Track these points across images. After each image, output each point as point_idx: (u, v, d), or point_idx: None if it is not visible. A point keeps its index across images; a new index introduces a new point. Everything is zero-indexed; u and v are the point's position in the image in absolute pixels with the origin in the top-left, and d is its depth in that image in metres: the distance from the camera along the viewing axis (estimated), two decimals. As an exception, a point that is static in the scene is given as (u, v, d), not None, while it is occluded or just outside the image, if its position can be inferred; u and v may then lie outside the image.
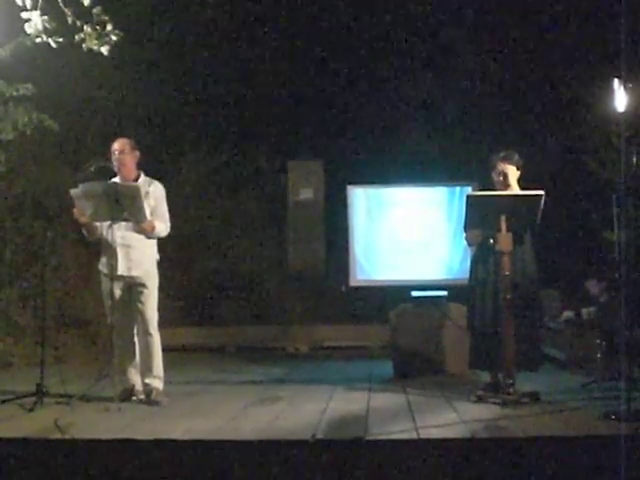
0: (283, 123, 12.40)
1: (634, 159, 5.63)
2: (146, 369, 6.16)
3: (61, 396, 6.10)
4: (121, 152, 6.17)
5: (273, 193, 12.26)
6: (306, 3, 12.13)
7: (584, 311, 8.35)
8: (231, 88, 12.31)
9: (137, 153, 6.29)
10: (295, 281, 11.64)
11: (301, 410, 5.79)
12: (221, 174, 12.20)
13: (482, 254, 6.19)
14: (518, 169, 6.19)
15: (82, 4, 6.03)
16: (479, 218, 5.99)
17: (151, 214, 6.07)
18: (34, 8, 5.86)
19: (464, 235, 6.37)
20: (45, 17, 5.94)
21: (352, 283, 9.90)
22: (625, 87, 5.88)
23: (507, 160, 6.18)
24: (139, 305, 6.13)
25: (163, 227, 6.21)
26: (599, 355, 7.65)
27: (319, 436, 4.72)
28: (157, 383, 6.15)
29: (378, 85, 12.27)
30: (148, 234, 6.10)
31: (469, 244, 6.46)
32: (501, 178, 6.16)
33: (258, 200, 12.38)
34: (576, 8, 10.40)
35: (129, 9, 9.57)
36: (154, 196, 6.19)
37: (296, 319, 11.20)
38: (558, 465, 4.42)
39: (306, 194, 11.33)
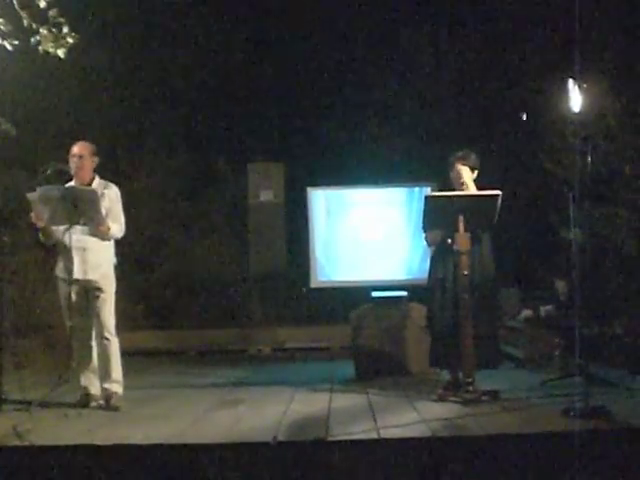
0: (242, 125, 12.37)
1: (589, 159, 5.71)
2: (105, 374, 6.11)
3: (20, 403, 6.03)
4: (80, 157, 6.12)
5: (233, 195, 12.23)
6: (265, 6, 12.13)
7: (542, 309, 8.45)
8: (190, 90, 12.26)
9: (96, 159, 6.24)
10: (256, 283, 11.63)
11: (262, 412, 5.79)
12: (180, 176, 12.15)
13: (441, 254, 6.23)
14: (475, 169, 6.24)
15: (38, 6, 5.98)
16: (437, 218, 6.03)
17: (106, 216, 6.03)
18: (-11, 11, 5.81)
19: (424, 235, 6.41)
20: (1, 20, 5.88)
21: (313, 284, 9.92)
22: (580, 87, 5.95)
23: (464, 160, 6.22)
24: (96, 309, 6.08)
25: (118, 228, 6.17)
26: (557, 353, 7.75)
27: (280, 438, 4.73)
28: (116, 387, 6.11)
29: (337, 87, 12.28)
30: (103, 236, 6.06)
31: (429, 244, 6.49)
32: (458, 178, 6.20)
33: (218, 202, 12.34)
34: (532, 9, 10.49)
35: (85, 11, 9.49)
36: (109, 197, 6.15)
37: (258, 321, 11.19)
38: (518, 462, 4.47)
39: (266, 196, 11.32)
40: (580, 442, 4.38)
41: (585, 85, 6.02)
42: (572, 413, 5.14)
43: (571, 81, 6.05)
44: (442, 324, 6.13)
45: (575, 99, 6.04)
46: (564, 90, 6.12)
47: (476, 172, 6.26)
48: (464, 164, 6.21)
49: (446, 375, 6.40)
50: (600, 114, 8.30)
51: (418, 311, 7.42)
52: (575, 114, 6.08)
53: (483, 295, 6.02)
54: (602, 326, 7.80)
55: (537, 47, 10.26)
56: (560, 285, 8.47)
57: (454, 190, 6.24)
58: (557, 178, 8.64)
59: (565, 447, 4.45)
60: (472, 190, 6.16)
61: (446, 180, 6.46)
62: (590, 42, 6.28)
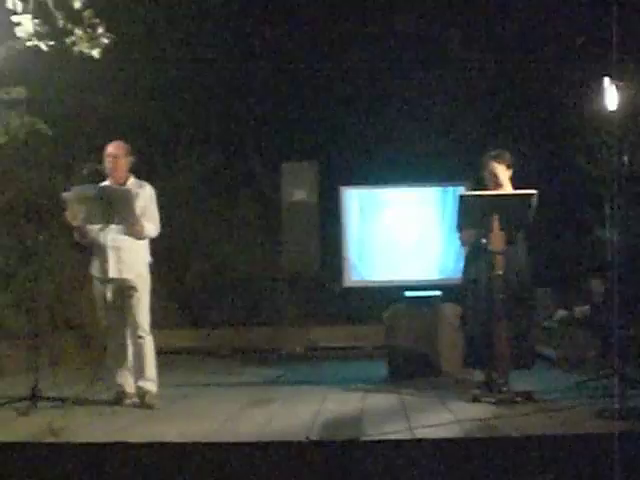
0: (276, 125, 12.38)
1: (625, 157, 5.66)
2: (139, 372, 6.14)
3: (55, 400, 6.06)
4: (115, 156, 6.16)
5: (267, 195, 12.25)
6: (297, 5, 12.13)
7: (577, 310, 8.37)
8: (224, 90, 12.30)
9: (131, 158, 6.28)
10: (289, 282, 11.64)
11: (296, 411, 5.79)
12: (214, 176, 12.19)
13: (475, 254, 6.20)
14: (509, 168, 6.19)
15: (73, 7, 6.02)
16: (471, 218, 5.99)
17: (140, 215, 6.06)
18: (25, 12, 5.85)
19: (458, 235, 6.37)
20: (36, 20, 5.93)
21: (346, 284, 9.90)
22: (616, 86, 5.90)
23: (498, 159, 6.18)
24: (131, 308, 6.11)
25: (152, 228, 6.20)
26: (593, 353, 7.68)
27: (313, 437, 4.72)
28: (150, 386, 6.14)
29: (370, 86, 12.26)
30: (138, 236, 6.09)
31: (462, 244, 6.46)
32: (493, 177, 6.17)
33: (252, 202, 12.36)
34: (567, 6, 10.40)
35: (121, 11, 9.55)
36: (144, 197, 6.18)
37: (291, 320, 11.20)
38: (552, 464, 4.43)
39: (300, 195, 11.31)
40: (615, 444, 4.32)
41: (621, 83, 5.97)
42: (607, 414, 5.09)
43: (607, 79, 6.00)
44: (476, 324, 6.10)
45: (611, 97, 5.99)
46: (600, 88, 6.07)
47: (510, 170, 6.22)
48: (499, 162, 6.17)
49: (479, 376, 6.37)
50: (636, 112, 8.21)
51: (452, 311, 7.40)
52: (611, 112, 6.02)
53: (517, 295, 5.98)
54: (638, 326, 7.71)
55: (573, 44, 10.17)
56: (596, 285, 8.40)
57: (487, 189, 6.20)
58: (593, 177, 8.57)
59: (600, 449, 4.40)
60: (507, 189, 6.12)
61: (480, 179, 6.42)
62: (626, 39, 6.19)
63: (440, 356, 7.53)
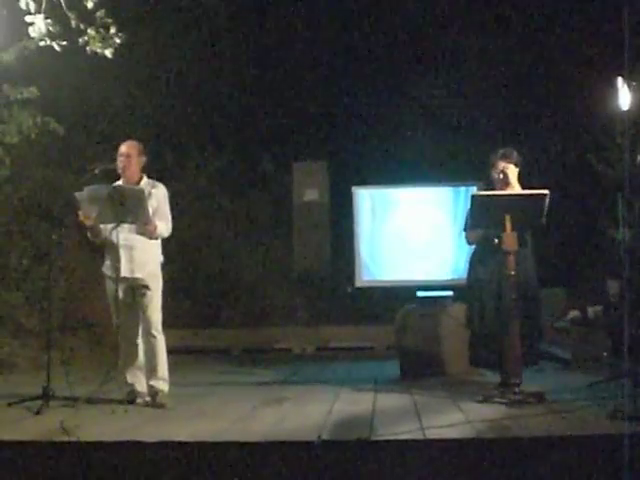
0: (287, 124, 12.40)
1: (638, 157, 5.64)
2: (151, 371, 6.15)
3: (67, 399, 6.09)
4: (128, 156, 6.17)
5: (278, 195, 12.27)
6: (310, 4, 12.14)
7: (590, 310, 8.34)
8: (235, 90, 12.32)
9: (144, 158, 6.28)
10: (301, 282, 11.64)
11: (307, 411, 5.78)
12: (226, 176, 12.22)
13: (482, 253, 6.17)
14: (517, 166, 6.14)
15: (85, 7, 6.05)
16: (484, 218, 5.97)
17: (153, 215, 6.06)
18: (38, 12, 5.88)
19: (464, 234, 6.34)
20: (49, 20, 5.95)
21: (358, 284, 9.88)
22: (629, 85, 5.88)
23: (506, 158, 6.14)
24: (143, 307, 6.12)
25: (165, 227, 6.20)
26: (605, 354, 7.65)
27: (325, 437, 4.71)
28: (162, 385, 6.14)
29: (382, 86, 12.26)
30: (151, 235, 6.10)
31: (468, 243, 6.43)
32: (501, 176, 6.13)
33: (263, 202, 12.40)
34: (579, 6, 10.39)
35: (133, 12, 9.58)
36: (156, 197, 6.18)
37: (302, 320, 11.21)
38: (564, 465, 4.41)
39: (311, 195, 11.33)
40: (627, 445, 4.30)
41: (634, 83, 5.94)
42: (619, 415, 5.06)
43: (620, 79, 5.98)
44: (483, 324, 6.08)
45: (624, 97, 5.97)
46: (613, 88, 6.05)
47: (518, 169, 6.18)
48: (509, 162, 6.13)
49: (491, 376, 6.35)
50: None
51: (463, 311, 7.36)
52: (624, 112, 6.00)
53: (525, 295, 5.95)
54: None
55: (585, 45, 10.14)
56: (613, 286, 8.35)
57: (495, 188, 6.18)
58: (606, 177, 8.54)
59: (612, 450, 4.37)
60: (516, 188, 6.08)
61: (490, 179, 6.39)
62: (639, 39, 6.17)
63: (451, 356, 7.51)
